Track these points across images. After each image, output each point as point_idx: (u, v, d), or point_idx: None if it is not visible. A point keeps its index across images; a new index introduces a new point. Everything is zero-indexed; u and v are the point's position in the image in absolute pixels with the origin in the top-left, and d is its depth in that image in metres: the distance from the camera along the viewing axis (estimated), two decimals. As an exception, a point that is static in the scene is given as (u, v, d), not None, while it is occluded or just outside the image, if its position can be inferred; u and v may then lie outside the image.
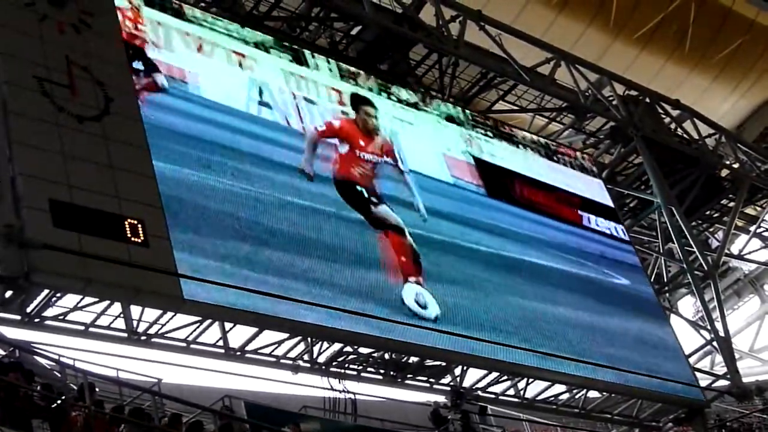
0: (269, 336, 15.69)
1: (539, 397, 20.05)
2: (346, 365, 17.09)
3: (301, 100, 18.39)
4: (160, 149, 14.61)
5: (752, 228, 31.29)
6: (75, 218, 12.53)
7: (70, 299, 13.41)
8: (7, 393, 11.10)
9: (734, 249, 31.73)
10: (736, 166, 29.70)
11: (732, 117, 35.85)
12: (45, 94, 13.53)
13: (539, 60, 25.80)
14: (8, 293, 12.32)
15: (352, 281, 16.05)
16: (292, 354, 16.33)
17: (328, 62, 19.93)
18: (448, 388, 18.35)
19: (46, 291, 12.86)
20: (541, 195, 22.52)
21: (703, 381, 22.59)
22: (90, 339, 14.09)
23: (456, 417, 18.28)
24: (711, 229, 31.43)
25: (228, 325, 15.29)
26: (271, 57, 18.73)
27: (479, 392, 18.79)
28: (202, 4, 19.36)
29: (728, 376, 23.06)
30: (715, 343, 24.05)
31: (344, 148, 18.14)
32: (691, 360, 22.94)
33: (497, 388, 19.27)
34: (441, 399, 18.74)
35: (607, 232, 23.51)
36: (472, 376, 18.68)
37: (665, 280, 27.27)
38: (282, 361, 16.29)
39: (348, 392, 17.26)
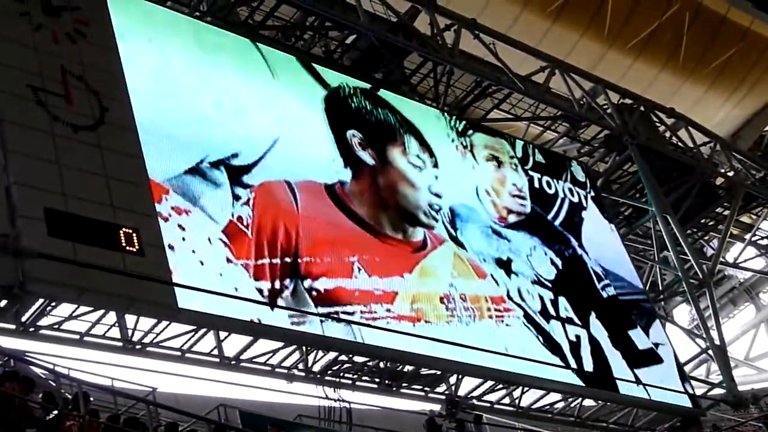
0: (264, 345, 15.66)
1: (534, 406, 20.00)
2: (341, 374, 17.06)
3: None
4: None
5: (747, 236, 31.31)
6: (70, 227, 12.53)
7: (65, 308, 13.38)
8: (2, 403, 11.06)
9: (729, 257, 31.74)
10: (731, 174, 29.76)
11: (727, 125, 35.88)
12: (40, 104, 13.53)
13: (534, 69, 25.86)
14: (3, 302, 12.29)
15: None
16: (287, 363, 16.29)
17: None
18: (443, 397, 18.35)
19: (41, 300, 12.81)
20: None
21: (699, 389, 22.59)
22: (85, 348, 14.04)
23: (451, 426, 18.27)
24: (706, 238, 31.45)
25: (223, 334, 15.25)
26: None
27: (474, 401, 18.78)
28: (197, 14, 19.39)
29: (724, 385, 23.04)
30: (710, 352, 24.06)
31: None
32: (687, 368, 22.95)
33: (492, 397, 19.22)
34: (436, 408, 18.72)
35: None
36: (467, 384, 18.66)
37: (660, 288, 27.29)
38: (277, 369, 16.25)
39: (343, 401, 17.23)
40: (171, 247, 13.67)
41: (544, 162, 23.68)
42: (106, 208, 13.18)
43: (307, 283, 15.46)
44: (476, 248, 19.57)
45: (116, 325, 14.16)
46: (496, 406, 19.45)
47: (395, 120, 20.32)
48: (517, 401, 19.59)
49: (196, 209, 14.79)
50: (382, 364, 17.42)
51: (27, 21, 14.41)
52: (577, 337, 19.84)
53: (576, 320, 20.19)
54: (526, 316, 19.18)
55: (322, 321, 15.21)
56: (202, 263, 14.19)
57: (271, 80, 18.54)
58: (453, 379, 18.43)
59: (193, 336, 14.81)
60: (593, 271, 21.98)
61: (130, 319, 14.20)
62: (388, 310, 16.41)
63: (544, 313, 19.61)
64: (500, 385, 18.98)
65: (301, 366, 16.46)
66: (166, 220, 14.02)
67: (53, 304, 13.09)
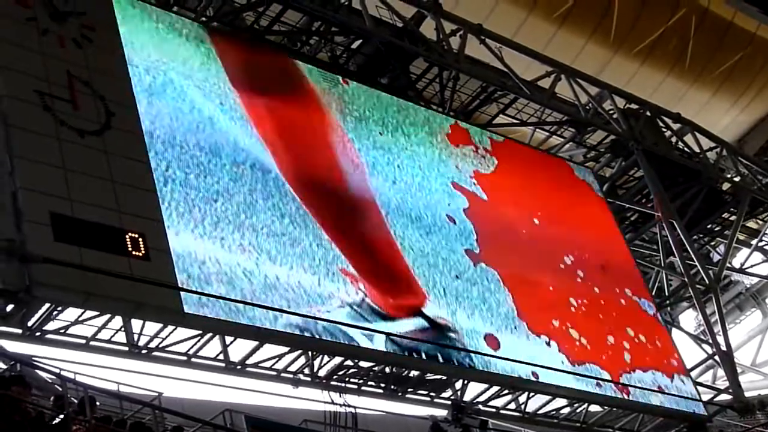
0: (270, 350, 15.68)
1: (540, 411, 19.99)
2: (347, 379, 17.07)
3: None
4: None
5: (754, 242, 31.26)
6: (76, 232, 12.56)
7: (71, 313, 13.41)
8: (8, 407, 11.08)
9: (736, 263, 31.66)
10: (737, 179, 29.70)
11: (733, 130, 35.84)
12: (46, 109, 13.58)
13: (540, 74, 25.85)
14: (9, 307, 12.32)
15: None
16: (293, 368, 16.32)
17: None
18: (449, 402, 18.33)
19: (47, 305, 12.85)
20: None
21: (705, 395, 22.53)
22: (91, 353, 14.08)
23: (457, 431, 18.24)
24: (712, 243, 31.32)
25: (229, 339, 15.29)
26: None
27: (480, 406, 18.76)
28: (203, 19, 19.42)
29: (730, 391, 22.99)
30: (716, 357, 24.00)
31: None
32: (693, 374, 22.90)
33: (498, 402, 19.23)
34: (439, 413, 18.69)
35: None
36: (473, 390, 18.66)
37: (666, 293, 27.20)
38: (283, 374, 16.29)
39: (349, 406, 17.20)
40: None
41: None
42: (113, 212, 13.21)
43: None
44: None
45: (122, 329, 14.19)
46: (501, 411, 19.45)
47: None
48: (522, 407, 19.58)
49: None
50: (387, 369, 17.42)
51: (34, 26, 14.46)
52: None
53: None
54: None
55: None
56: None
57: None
58: (459, 385, 18.42)
59: (199, 341, 14.83)
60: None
61: (136, 324, 14.23)
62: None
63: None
64: (506, 391, 18.96)
65: (306, 371, 16.48)
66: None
67: (59, 308, 13.14)
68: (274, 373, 16.17)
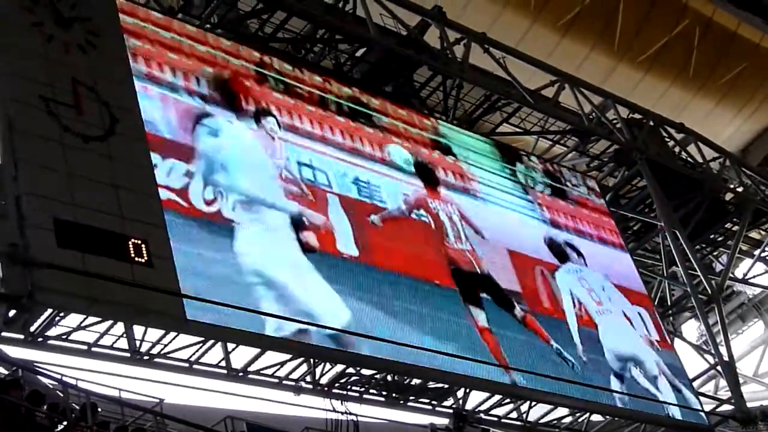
0: (272, 357, 15.68)
1: (542, 421, 19.97)
2: (349, 387, 17.07)
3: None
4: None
5: (756, 252, 31.22)
6: (79, 238, 12.53)
7: (74, 319, 13.41)
8: (8, 412, 11.08)
9: (738, 273, 31.67)
10: (740, 189, 29.71)
11: (736, 140, 35.89)
12: (50, 114, 13.56)
13: (543, 83, 25.89)
14: (12, 312, 12.27)
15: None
16: (295, 375, 16.31)
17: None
18: (451, 411, 18.32)
19: (50, 310, 12.84)
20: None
21: (707, 405, 22.50)
22: (93, 359, 14.07)
23: (458, 440, 18.24)
24: (715, 253, 31.34)
25: (231, 346, 15.27)
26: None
27: (482, 415, 18.75)
28: (208, 26, 19.45)
29: (732, 401, 22.97)
30: (719, 368, 23.99)
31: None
32: (695, 384, 22.87)
33: (500, 411, 19.20)
34: (441, 421, 18.67)
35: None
36: (475, 398, 18.65)
37: (669, 303, 27.22)
38: (284, 382, 16.27)
39: (350, 414, 17.19)
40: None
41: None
42: (116, 218, 13.19)
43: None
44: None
45: (124, 335, 14.18)
46: (503, 420, 19.42)
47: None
48: (524, 415, 19.56)
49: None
50: (389, 377, 17.42)
51: (39, 32, 14.44)
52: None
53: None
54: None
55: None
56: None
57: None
58: (460, 393, 18.41)
59: (200, 347, 14.82)
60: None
61: (138, 330, 14.22)
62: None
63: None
64: (508, 400, 18.94)
65: (308, 378, 16.47)
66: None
67: (62, 314, 13.12)
68: (276, 380, 16.15)
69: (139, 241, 13.20)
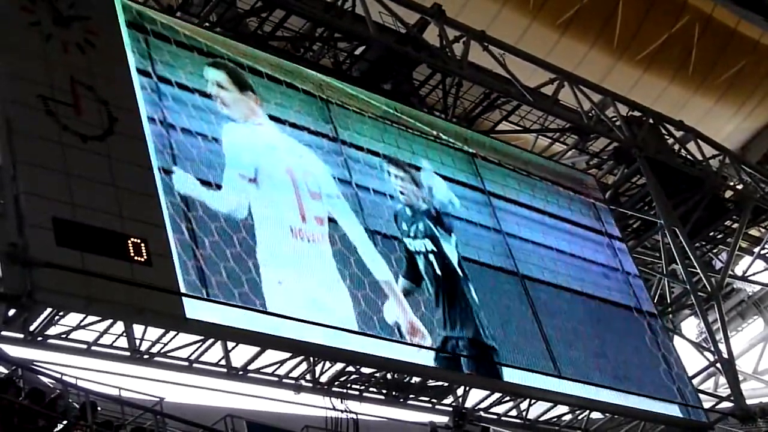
0: (271, 355, 15.68)
1: (542, 418, 19.98)
2: (349, 385, 17.07)
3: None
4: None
5: (756, 249, 31.24)
6: (78, 237, 12.55)
7: (73, 318, 13.41)
8: (7, 411, 11.09)
9: (738, 270, 31.68)
10: (739, 187, 29.70)
11: (736, 138, 35.86)
12: (49, 113, 13.57)
13: (543, 80, 25.88)
14: (11, 312, 12.29)
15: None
16: (295, 373, 16.31)
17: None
18: (451, 409, 18.33)
19: (49, 310, 12.84)
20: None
21: (707, 403, 22.52)
22: (92, 358, 14.07)
23: (458, 438, 18.24)
24: (715, 251, 31.34)
25: (230, 344, 15.27)
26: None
27: (481, 413, 18.76)
28: (207, 25, 19.45)
29: (732, 398, 22.98)
30: (718, 365, 23.99)
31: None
32: (695, 381, 22.88)
33: (499, 409, 19.22)
34: (441, 419, 18.69)
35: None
36: (475, 396, 18.65)
37: (668, 301, 27.22)
38: (284, 380, 16.27)
39: (350, 412, 17.20)
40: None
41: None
42: (115, 217, 13.21)
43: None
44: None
45: (124, 334, 14.19)
46: (503, 418, 19.44)
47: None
48: (524, 413, 19.57)
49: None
50: (389, 376, 17.42)
51: (37, 31, 14.46)
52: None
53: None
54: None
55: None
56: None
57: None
58: (460, 391, 18.42)
59: (200, 346, 14.83)
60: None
61: (137, 329, 14.23)
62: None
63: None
64: (507, 397, 18.96)
65: (308, 377, 16.47)
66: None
67: (61, 313, 13.12)
68: (276, 378, 16.15)
69: (139, 240, 13.22)
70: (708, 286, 25.73)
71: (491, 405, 18.89)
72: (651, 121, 27.83)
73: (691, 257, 25.57)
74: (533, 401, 19.34)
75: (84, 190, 13.12)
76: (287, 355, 15.77)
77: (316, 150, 17.97)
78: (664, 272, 26.47)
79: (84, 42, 14.95)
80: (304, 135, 18.02)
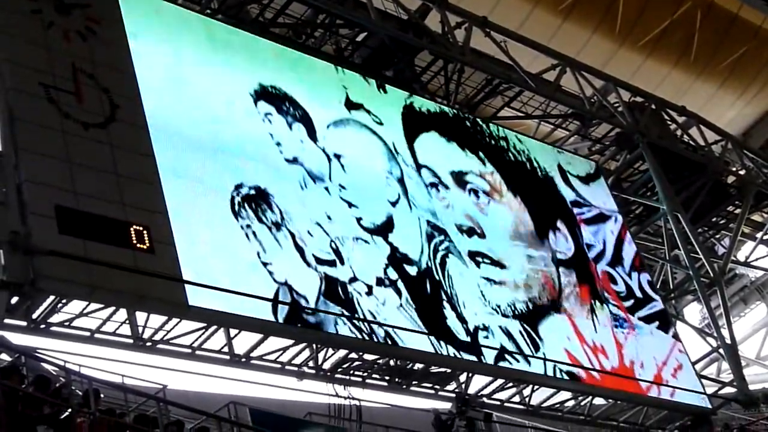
0: (274, 342, 15.68)
1: (545, 404, 20.01)
2: (351, 372, 17.09)
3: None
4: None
5: (759, 235, 31.19)
6: (80, 225, 12.57)
7: (76, 305, 13.42)
8: (8, 398, 11.09)
9: (741, 256, 31.59)
10: (742, 172, 29.66)
11: (738, 123, 35.76)
12: (51, 101, 13.58)
13: (545, 66, 25.80)
14: (14, 299, 12.33)
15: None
16: (297, 360, 16.32)
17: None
18: (453, 395, 18.35)
19: (52, 297, 12.87)
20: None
21: (710, 388, 22.54)
22: (95, 345, 14.09)
23: (461, 424, 18.26)
24: (717, 236, 31.37)
25: (233, 332, 15.29)
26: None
27: (484, 399, 18.79)
28: (208, 11, 19.41)
29: (734, 384, 23.00)
30: (721, 351, 24.01)
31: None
32: (698, 367, 22.90)
33: (502, 395, 19.24)
34: (444, 406, 18.72)
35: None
36: (477, 382, 18.67)
37: (671, 287, 27.23)
38: (287, 367, 16.28)
39: (353, 399, 17.23)
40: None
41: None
42: (117, 205, 13.23)
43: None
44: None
45: (127, 322, 14.20)
46: (506, 404, 19.47)
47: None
48: (527, 399, 19.59)
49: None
50: (392, 362, 17.43)
51: (39, 19, 14.46)
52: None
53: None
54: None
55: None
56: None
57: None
58: (463, 377, 18.43)
59: (203, 333, 14.84)
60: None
61: (140, 317, 14.23)
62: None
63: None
64: (510, 384, 18.98)
65: (311, 363, 16.49)
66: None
67: (64, 301, 13.15)
68: (279, 365, 16.17)
69: (141, 228, 13.23)
70: (711, 272, 25.73)
71: (494, 391, 18.92)
72: (653, 106, 27.79)
73: (694, 243, 25.56)
74: (536, 387, 19.35)
75: (86, 177, 13.14)
76: (290, 341, 15.78)
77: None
78: (667, 258, 26.47)
79: (85, 30, 14.94)
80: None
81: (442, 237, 18.46)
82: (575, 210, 22.24)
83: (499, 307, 18.42)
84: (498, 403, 19.26)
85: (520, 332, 18.20)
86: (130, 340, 14.35)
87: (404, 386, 17.96)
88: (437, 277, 17.78)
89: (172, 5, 17.72)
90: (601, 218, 21.97)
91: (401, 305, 16.60)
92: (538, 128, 27.88)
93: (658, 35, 31.63)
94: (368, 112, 19.41)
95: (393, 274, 16.94)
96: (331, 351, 16.51)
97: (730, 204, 29.02)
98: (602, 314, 20.26)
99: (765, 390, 24.61)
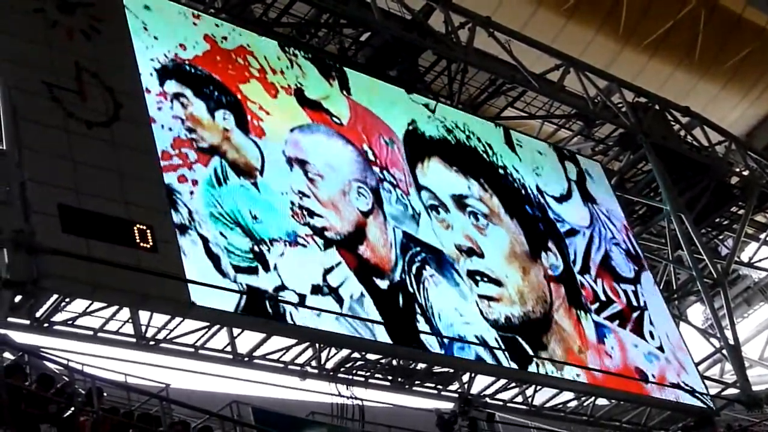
0: (277, 342, 15.68)
1: (547, 405, 19.99)
2: (354, 371, 17.07)
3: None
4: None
5: (762, 235, 31.20)
6: (84, 223, 12.57)
7: (79, 304, 13.41)
8: (12, 396, 11.10)
9: (744, 257, 31.60)
10: (745, 173, 29.67)
11: (742, 124, 35.76)
12: (54, 100, 13.59)
13: (548, 66, 25.82)
14: (17, 298, 12.33)
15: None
16: (300, 360, 16.31)
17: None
18: (456, 395, 18.33)
19: (55, 296, 12.86)
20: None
21: (713, 389, 22.51)
22: (98, 344, 14.07)
23: (464, 424, 18.25)
24: (720, 237, 31.33)
25: (236, 331, 15.28)
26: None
27: (487, 399, 18.76)
28: (212, 11, 19.40)
29: (738, 385, 22.98)
30: (724, 351, 24.00)
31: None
32: (701, 368, 22.88)
33: (505, 395, 19.22)
34: (446, 406, 18.70)
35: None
36: (480, 383, 18.66)
37: (674, 287, 27.21)
38: (290, 366, 16.26)
39: (355, 398, 17.22)
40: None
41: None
42: (120, 204, 13.23)
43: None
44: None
45: (130, 321, 14.19)
46: (508, 404, 19.44)
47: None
48: (530, 400, 19.57)
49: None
50: (395, 362, 17.42)
51: (42, 18, 14.47)
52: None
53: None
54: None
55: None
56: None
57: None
58: (466, 378, 18.42)
59: (206, 332, 14.83)
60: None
61: (143, 316, 14.23)
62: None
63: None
64: (513, 384, 18.96)
65: (314, 363, 16.47)
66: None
67: (67, 300, 13.14)
68: (282, 365, 16.15)
69: (144, 227, 13.23)
70: (714, 273, 25.71)
71: (497, 391, 18.90)
72: (657, 107, 27.79)
73: (697, 243, 25.55)
74: (539, 387, 19.34)
75: (89, 176, 13.14)
76: (293, 341, 15.77)
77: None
78: (670, 258, 26.45)
79: (89, 28, 14.95)
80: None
81: (418, 248, 18.21)
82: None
83: (496, 321, 18.35)
84: (501, 403, 19.22)
85: (497, 339, 18.04)
86: (133, 339, 14.34)
87: (407, 386, 17.94)
88: (411, 290, 17.37)
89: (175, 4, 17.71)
90: (572, 233, 22.07)
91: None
92: (541, 128, 27.87)
93: (662, 36, 31.63)
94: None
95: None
96: (333, 350, 16.51)
97: (733, 205, 29.02)
98: (587, 323, 20.33)
99: (768, 391, 24.59)
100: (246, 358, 15.63)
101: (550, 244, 21.23)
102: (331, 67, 19.80)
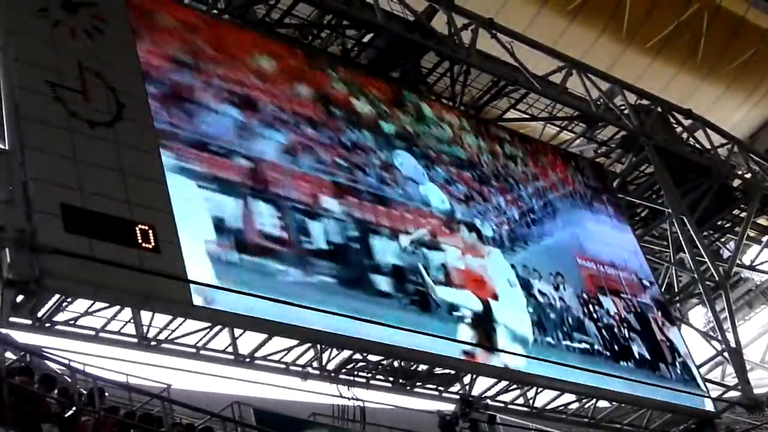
0: (279, 342, 15.68)
1: (548, 407, 20.00)
2: (355, 372, 17.08)
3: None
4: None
5: (764, 238, 31.18)
6: (86, 223, 12.56)
7: (81, 304, 13.42)
8: (16, 397, 11.11)
9: (746, 259, 31.59)
10: (748, 176, 29.64)
11: (744, 127, 35.76)
12: (57, 99, 13.58)
13: (551, 68, 25.81)
14: (19, 298, 12.32)
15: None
16: (302, 361, 16.32)
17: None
18: (458, 397, 18.32)
19: (57, 296, 12.87)
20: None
21: (714, 392, 22.50)
22: (100, 344, 14.10)
23: (465, 426, 18.25)
24: (722, 240, 31.30)
25: (237, 332, 15.28)
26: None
27: (488, 401, 18.76)
28: (215, 12, 19.41)
29: (739, 387, 22.97)
30: (726, 354, 23.98)
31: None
32: (702, 370, 22.85)
33: (506, 397, 19.22)
34: (448, 407, 18.69)
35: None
36: (482, 384, 18.65)
37: (676, 290, 27.18)
38: (291, 367, 16.28)
39: (357, 399, 17.22)
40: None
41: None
42: (123, 204, 13.21)
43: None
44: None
45: (131, 321, 14.20)
46: (510, 406, 19.45)
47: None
48: (531, 401, 19.58)
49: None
50: (396, 363, 17.42)
51: (45, 17, 14.46)
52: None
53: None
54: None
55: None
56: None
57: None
58: (467, 379, 18.42)
59: (207, 333, 14.84)
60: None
61: (145, 316, 14.24)
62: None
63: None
64: (514, 385, 18.96)
65: (315, 364, 16.48)
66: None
67: (69, 299, 13.15)
68: (283, 366, 16.17)
69: (147, 227, 13.22)
70: (716, 275, 25.67)
71: (498, 393, 18.90)
72: (659, 109, 27.78)
73: (699, 246, 25.52)
74: (540, 389, 19.33)
75: (92, 176, 13.12)
76: (294, 342, 15.77)
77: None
78: (672, 261, 26.43)
79: (92, 28, 14.94)
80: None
81: None
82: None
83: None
84: (502, 404, 19.24)
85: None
86: (135, 340, 14.35)
87: (408, 387, 17.95)
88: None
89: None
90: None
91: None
92: (543, 130, 27.85)
93: (665, 37, 31.66)
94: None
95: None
96: (335, 352, 16.51)
97: (735, 207, 28.98)
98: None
99: (769, 394, 24.58)
100: (247, 359, 15.63)
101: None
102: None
